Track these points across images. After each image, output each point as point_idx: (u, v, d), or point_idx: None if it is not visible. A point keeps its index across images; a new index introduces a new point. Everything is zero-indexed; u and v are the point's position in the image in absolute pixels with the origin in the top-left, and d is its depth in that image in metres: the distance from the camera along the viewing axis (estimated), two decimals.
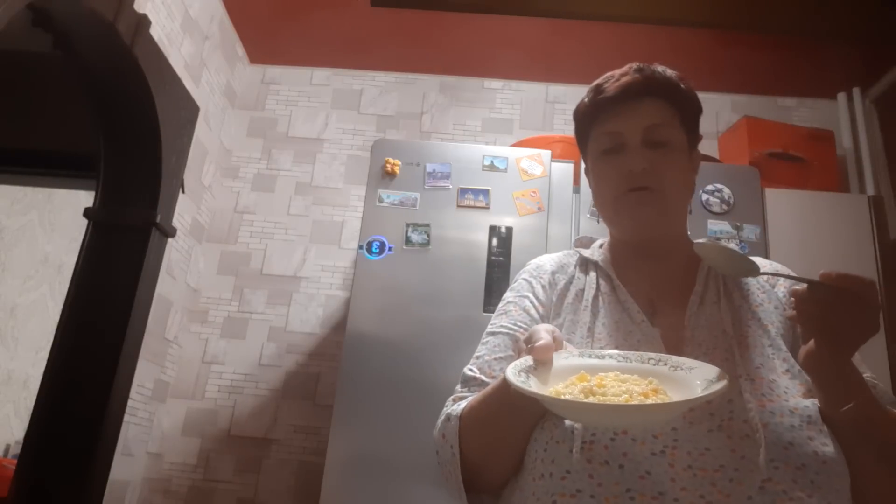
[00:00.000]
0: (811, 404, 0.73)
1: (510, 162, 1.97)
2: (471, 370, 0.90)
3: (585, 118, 0.94)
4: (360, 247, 1.88)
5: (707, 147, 2.41)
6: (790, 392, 0.75)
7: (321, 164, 2.74)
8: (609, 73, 0.93)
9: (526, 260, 1.87)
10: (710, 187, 2.00)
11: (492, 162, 1.97)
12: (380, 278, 1.84)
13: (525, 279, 0.99)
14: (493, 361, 0.89)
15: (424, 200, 1.93)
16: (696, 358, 0.76)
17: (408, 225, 1.90)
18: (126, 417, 2.05)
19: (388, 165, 1.96)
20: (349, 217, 2.65)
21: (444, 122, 2.81)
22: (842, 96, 2.64)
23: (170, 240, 2.22)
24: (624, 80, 0.89)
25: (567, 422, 0.75)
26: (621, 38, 2.53)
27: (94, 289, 2.01)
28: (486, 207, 1.92)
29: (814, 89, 2.74)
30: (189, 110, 2.30)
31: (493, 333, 0.93)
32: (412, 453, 1.67)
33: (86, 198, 2.28)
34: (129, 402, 2.07)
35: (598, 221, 0.99)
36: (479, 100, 2.84)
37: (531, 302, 0.94)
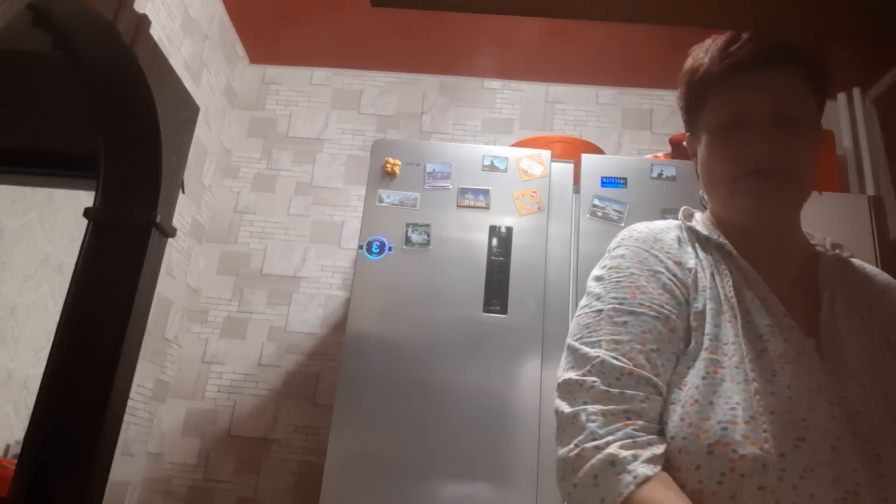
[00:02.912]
0: None
1: (510, 162, 1.97)
2: (615, 357, 0.70)
3: (704, 84, 0.81)
4: (360, 247, 1.88)
5: None
6: None
7: (321, 164, 2.74)
8: (724, 36, 0.81)
9: (526, 260, 1.90)
10: None
11: (492, 162, 1.97)
12: (380, 278, 1.84)
13: (643, 250, 0.79)
14: (649, 353, 0.71)
15: (424, 200, 1.93)
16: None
17: (408, 225, 1.90)
18: (126, 417, 2.05)
19: (388, 165, 1.96)
20: (349, 217, 2.65)
21: (444, 122, 2.80)
22: (842, 96, 2.63)
23: (170, 240, 2.22)
24: (752, 45, 0.78)
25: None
26: (621, 38, 2.52)
27: (94, 289, 2.01)
28: (486, 207, 1.92)
29: None
30: (189, 110, 2.30)
31: (631, 312, 0.73)
32: (413, 453, 1.67)
33: (86, 198, 2.28)
34: (129, 402, 2.07)
35: (702, 203, 0.89)
36: (479, 100, 2.84)
37: (670, 280, 0.76)
